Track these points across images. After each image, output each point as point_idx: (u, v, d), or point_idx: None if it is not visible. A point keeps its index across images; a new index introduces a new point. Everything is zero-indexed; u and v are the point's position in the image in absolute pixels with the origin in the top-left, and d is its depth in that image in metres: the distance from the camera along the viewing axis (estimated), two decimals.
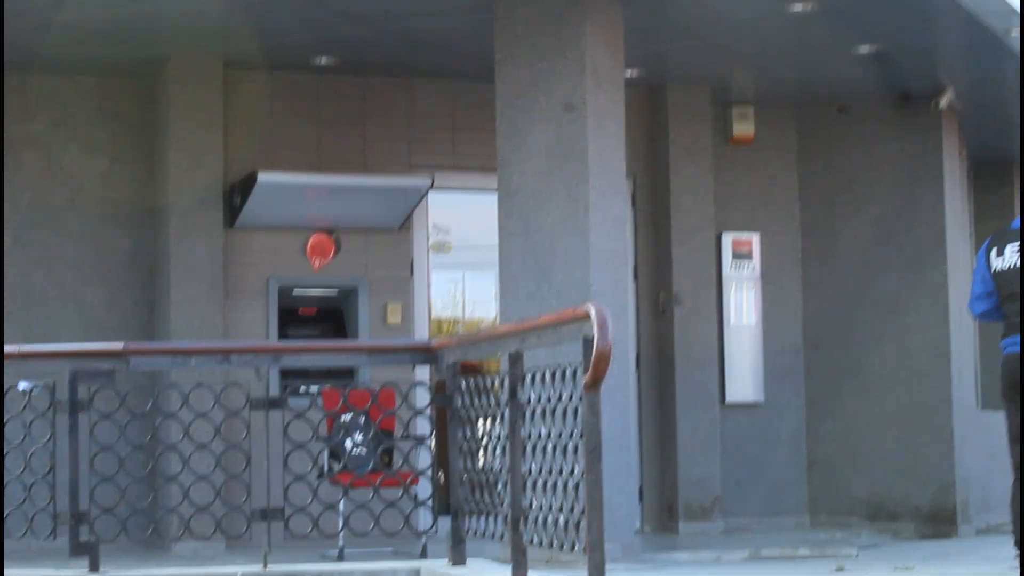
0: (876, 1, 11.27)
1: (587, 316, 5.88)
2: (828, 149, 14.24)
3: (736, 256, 13.83)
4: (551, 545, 6.24)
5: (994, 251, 8.46)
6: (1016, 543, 8.35)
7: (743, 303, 13.85)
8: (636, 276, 13.29)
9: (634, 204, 13.32)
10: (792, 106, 14.21)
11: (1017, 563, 8.32)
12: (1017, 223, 8.52)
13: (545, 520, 6.30)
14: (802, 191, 14.29)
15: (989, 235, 8.85)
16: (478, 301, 13.95)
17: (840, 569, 9.99)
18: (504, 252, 10.90)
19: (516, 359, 6.73)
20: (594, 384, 5.86)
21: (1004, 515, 13.50)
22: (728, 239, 13.81)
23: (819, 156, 14.27)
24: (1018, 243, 8.30)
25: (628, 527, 10.86)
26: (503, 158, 10.90)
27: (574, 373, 6.06)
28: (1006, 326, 8.42)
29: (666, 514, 13.24)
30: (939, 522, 13.38)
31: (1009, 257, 8.35)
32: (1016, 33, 11.77)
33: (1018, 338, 8.27)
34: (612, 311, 10.60)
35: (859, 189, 14.09)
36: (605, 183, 10.80)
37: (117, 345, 7.91)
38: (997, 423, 14.48)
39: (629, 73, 11.79)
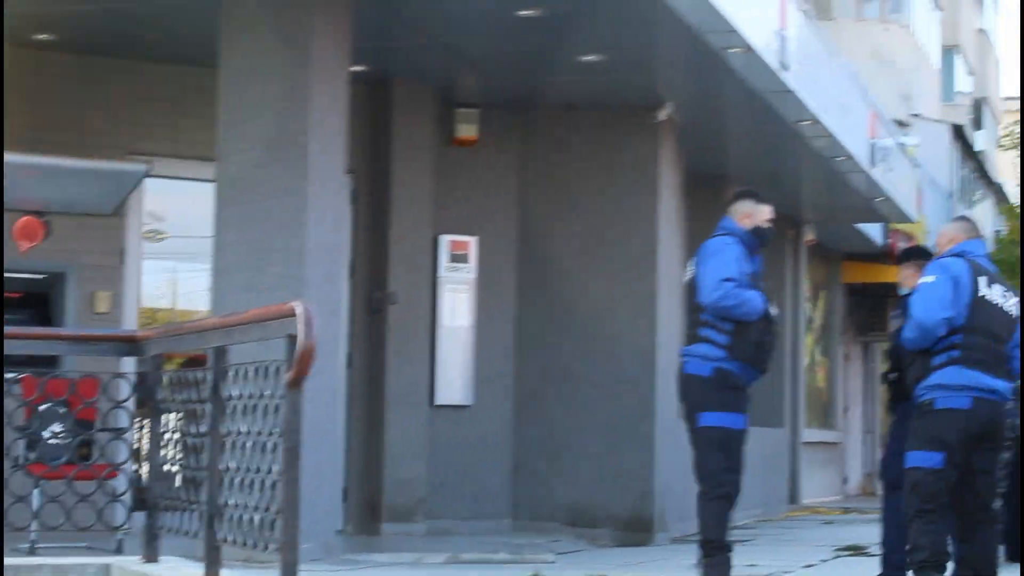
0: (601, 12, 11.43)
1: (292, 313, 5.78)
2: (549, 155, 14.38)
3: (453, 258, 13.87)
4: (245, 544, 6.14)
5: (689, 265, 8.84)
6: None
7: (457, 305, 13.89)
8: (353, 273, 13.21)
9: (354, 200, 13.24)
10: (516, 111, 14.31)
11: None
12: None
13: (240, 518, 6.20)
14: (521, 196, 14.40)
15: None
16: (192, 292, 13.72)
17: (536, 575, 10.08)
18: (219, 243, 10.75)
19: (220, 354, 6.60)
20: (296, 382, 5.77)
21: None
22: (446, 241, 13.84)
23: (540, 162, 14.39)
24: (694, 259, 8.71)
25: (330, 527, 10.80)
26: (223, 147, 10.76)
27: (277, 370, 5.96)
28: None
29: (370, 515, 13.18)
30: (637, 530, 13.61)
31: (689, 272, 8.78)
32: (735, 51, 12.06)
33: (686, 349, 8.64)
34: (326, 307, 10.61)
35: (577, 197, 14.26)
36: (325, 177, 10.73)
37: None
38: None
39: (355, 67, 11.72)
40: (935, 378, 7.96)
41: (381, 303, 13.29)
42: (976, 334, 7.94)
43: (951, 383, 7.93)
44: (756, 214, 8.82)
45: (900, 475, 9.22)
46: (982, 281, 8.05)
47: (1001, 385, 7.97)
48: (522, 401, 14.22)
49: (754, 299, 8.47)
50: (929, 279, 8.10)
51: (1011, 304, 8.13)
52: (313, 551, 10.21)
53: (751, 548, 13.36)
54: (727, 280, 8.41)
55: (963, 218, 8.84)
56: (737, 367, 8.47)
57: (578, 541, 13.23)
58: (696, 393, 8.55)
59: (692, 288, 8.65)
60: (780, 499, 20.12)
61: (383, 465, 13.17)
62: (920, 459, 7.93)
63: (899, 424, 9.60)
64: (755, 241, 8.77)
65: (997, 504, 11.40)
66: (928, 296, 8.01)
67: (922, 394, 8.01)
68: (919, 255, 9.78)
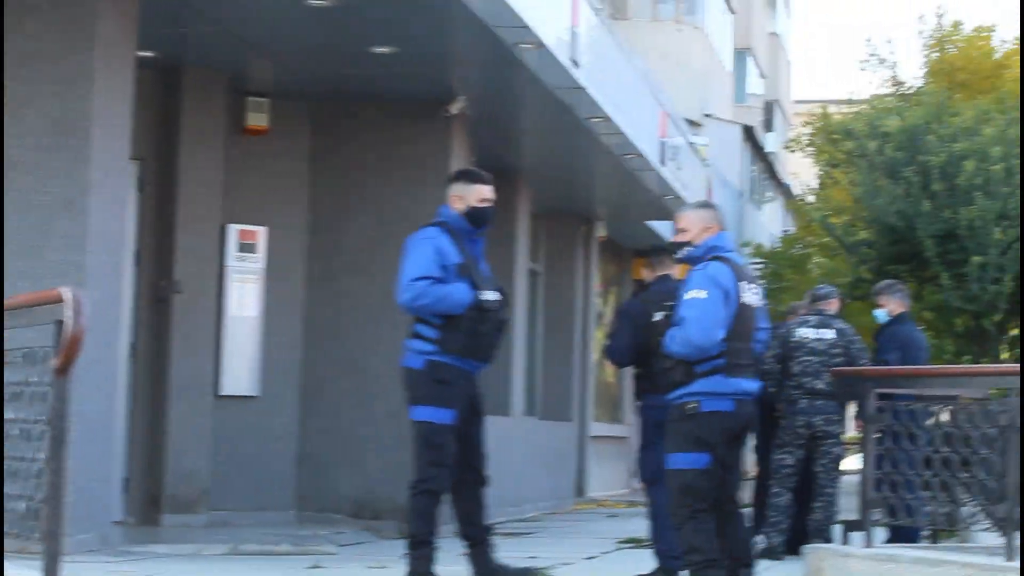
0: (392, 3, 11.41)
1: (60, 299, 5.68)
2: (340, 147, 14.33)
3: (241, 248, 13.75)
4: (10, 533, 6.03)
5: None
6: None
7: (245, 295, 13.77)
8: (138, 261, 13.01)
9: (140, 188, 13.04)
10: (307, 100, 14.23)
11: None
12: None
13: (3, 508, 6.08)
14: (312, 187, 14.33)
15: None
16: None
17: (316, 567, 10.04)
18: None
19: None
20: (63, 369, 5.68)
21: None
22: (234, 230, 13.71)
23: (331, 153, 14.34)
24: None
25: (107, 517, 10.65)
26: (2, 130, 10.52)
27: (44, 357, 5.86)
28: None
29: (151, 506, 12.99)
30: None
31: None
32: (526, 46, 12.13)
33: None
34: (107, 295, 10.45)
35: (368, 189, 14.23)
36: (108, 164, 10.58)
37: None
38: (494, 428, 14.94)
39: (143, 53, 11.56)
40: (699, 386, 7.92)
41: (166, 292, 13.11)
42: (737, 340, 7.91)
43: (715, 391, 7.93)
44: (469, 195, 8.59)
45: (653, 472, 9.35)
46: (743, 286, 8.01)
47: (755, 386, 8.05)
48: (309, 392, 14.15)
49: (455, 292, 8.32)
50: (701, 295, 7.86)
51: (759, 298, 8.15)
52: (89, 542, 10.06)
53: (534, 540, 13.47)
54: (420, 279, 8.28)
55: (708, 204, 8.53)
56: (451, 359, 8.36)
57: (362, 533, 13.20)
58: (409, 386, 8.46)
59: None
60: (567, 493, 20.29)
61: (165, 456, 12.99)
62: (688, 461, 7.91)
63: (645, 424, 9.74)
64: (468, 225, 8.58)
65: (786, 500, 11.74)
66: (705, 315, 7.78)
67: (685, 398, 7.97)
68: (662, 253, 9.90)
